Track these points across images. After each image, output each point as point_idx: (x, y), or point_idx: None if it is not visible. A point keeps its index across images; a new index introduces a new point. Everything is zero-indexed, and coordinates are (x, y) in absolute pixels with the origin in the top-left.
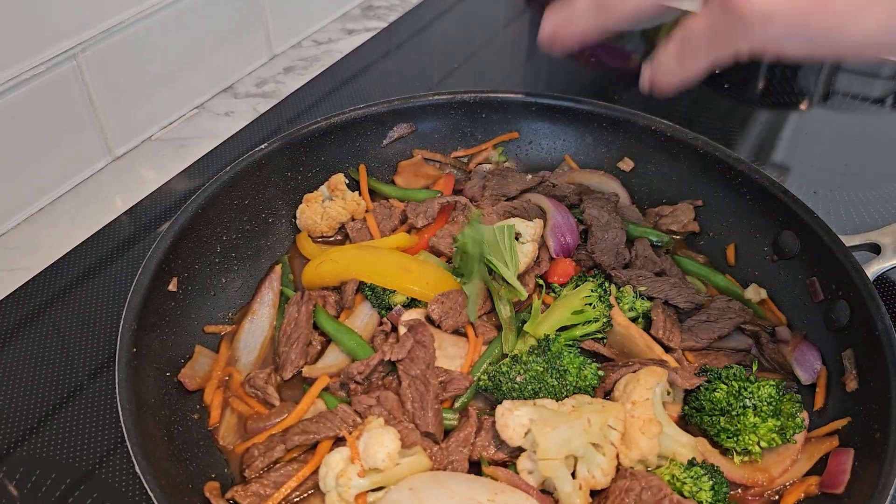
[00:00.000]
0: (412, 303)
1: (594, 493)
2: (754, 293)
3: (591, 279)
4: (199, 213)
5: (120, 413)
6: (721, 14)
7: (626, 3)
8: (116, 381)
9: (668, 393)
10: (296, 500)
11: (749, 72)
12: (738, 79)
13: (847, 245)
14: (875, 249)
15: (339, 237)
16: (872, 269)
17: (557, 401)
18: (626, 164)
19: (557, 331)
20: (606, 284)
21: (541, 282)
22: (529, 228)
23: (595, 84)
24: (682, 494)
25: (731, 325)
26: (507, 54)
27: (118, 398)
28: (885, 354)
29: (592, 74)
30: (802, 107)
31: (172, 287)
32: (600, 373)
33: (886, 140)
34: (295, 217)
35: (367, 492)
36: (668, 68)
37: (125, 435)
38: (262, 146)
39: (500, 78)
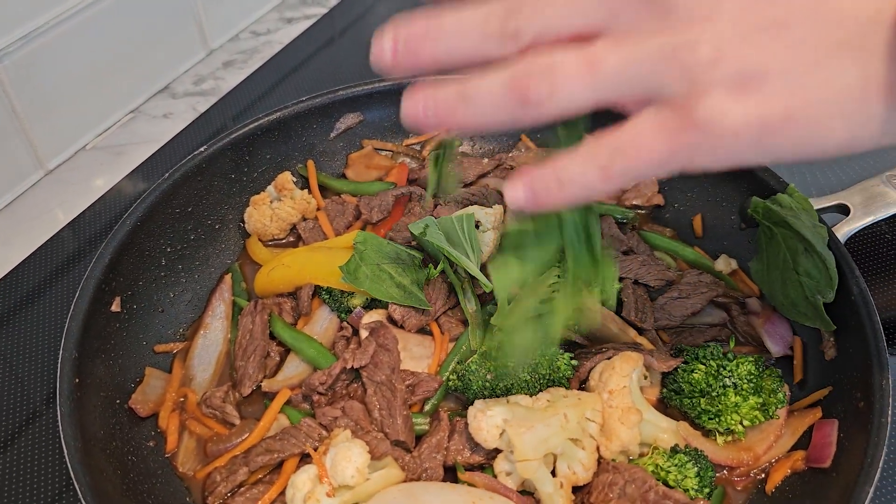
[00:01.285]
0: (373, 303)
1: (576, 490)
2: (724, 264)
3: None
4: (137, 226)
5: (65, 450)
6: (681, 130)
7: (550, 103)
8: (59, 416)
9: (646, 377)
10: None
11: None
12: None
13: (815, 207)
14: (844, 210)
15: (291, 239)
16: (843, 231)
17: (531, 396)
18: None
19: None
20: None
21: None
22: (489, 216)
23: None
24: (667, 484)
25: (705, 299)
26: None
27: (62, 435)
28: (862, 318)
29: None
30: None
31: (115, 307)
32: (573, 362)
33: None
34: (243, 221)
35: None
36: (583, 185)
37: (71, 474)
38: (202, 149)
39: None
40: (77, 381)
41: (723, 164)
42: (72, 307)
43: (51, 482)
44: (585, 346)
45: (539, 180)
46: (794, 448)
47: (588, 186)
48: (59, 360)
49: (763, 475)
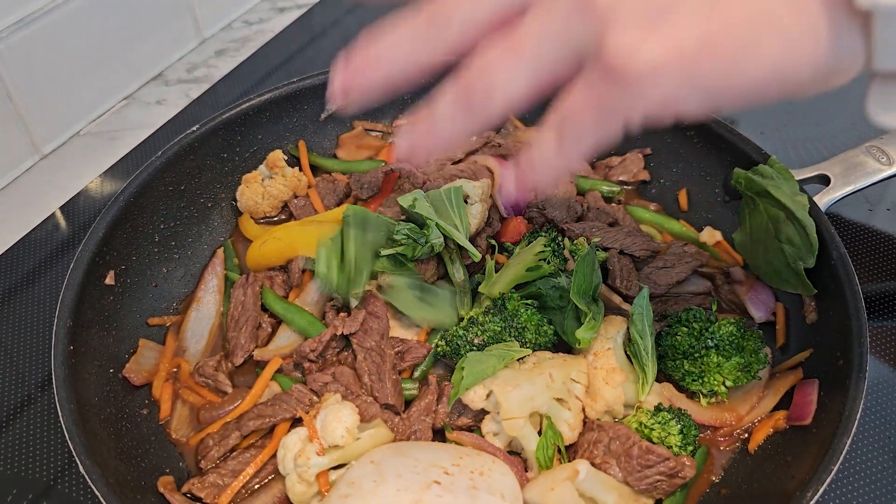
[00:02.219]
0: None
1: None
2: (709, 236)
3: (544, 234)
4: (131, 202)
5: (59, 413)
6: (603, 82)
7: (493, 99)
8: (53, 381)
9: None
10: (256, 486)
11: None
12: None
13: (797, 178)
14: (824, 181)
15: (282, 216)
16: (824, 200)
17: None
18: None
19: (513, 289)
20: (560, 238)
21: (493, 242)
22: (477, 189)
23: None
24: (650, 441)
25: (689, 268)
26: None
27: (56, 398)
28: (842, 281)
29: None
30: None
31: (110, 281)
32: None
33: None
34: (235, 200)
35: (329, 470)
36: (548, 162)
37: (66, 435)
38: (194, 128)
39: None
40: (72, 348)
41: (659, 109)
42: (66, 278)
43: (51, 463)
44: None
45: (520, 173)
46: (776, 409)
47: (554, 167)
48: (54, 327)
49: (746, 435)
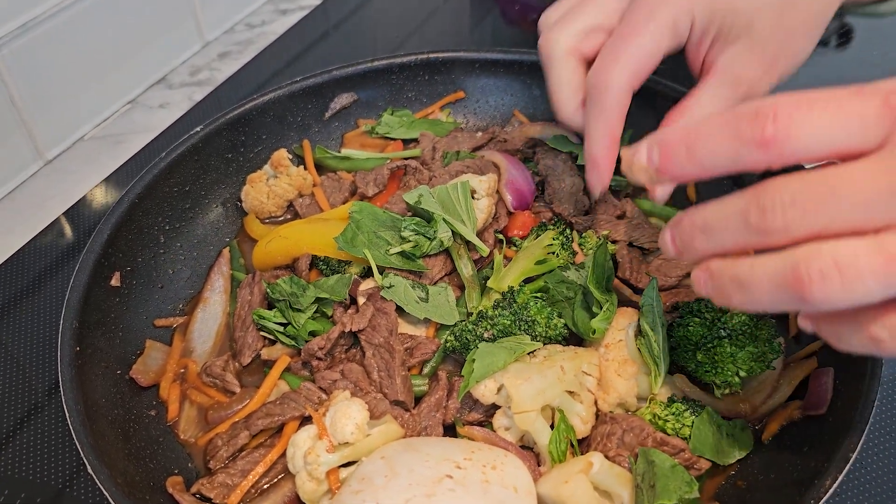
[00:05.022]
0: (369, 271)
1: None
2: None
3: (552, 227)
4: (135, 203)
5: (67, 414)
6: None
7: (846, 298)
8: (60, 383)
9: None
10: (266, 486)
11: None
12: None
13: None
14: None
15: (288, 216)
16: None
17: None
18: None
19: (522, 282)
20: (568, 231)
21: (501, 237)
22: (483, 183)
23: None
24: (664, 432)
25: None
26: (450, 26)
27: (63, 400)
28: None
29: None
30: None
31: (115, 282)
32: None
33: (831, 79)
34: (240, 200)
35: (339, 467)
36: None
37: (74, 436)
38: (198, 129)
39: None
40: (78, 349)
41: None
42: (72, 280)
43: (61, 467)
44: None
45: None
46: (791, 399)
47: (863, 348)
48: (60, 329)
49: (760, 426)
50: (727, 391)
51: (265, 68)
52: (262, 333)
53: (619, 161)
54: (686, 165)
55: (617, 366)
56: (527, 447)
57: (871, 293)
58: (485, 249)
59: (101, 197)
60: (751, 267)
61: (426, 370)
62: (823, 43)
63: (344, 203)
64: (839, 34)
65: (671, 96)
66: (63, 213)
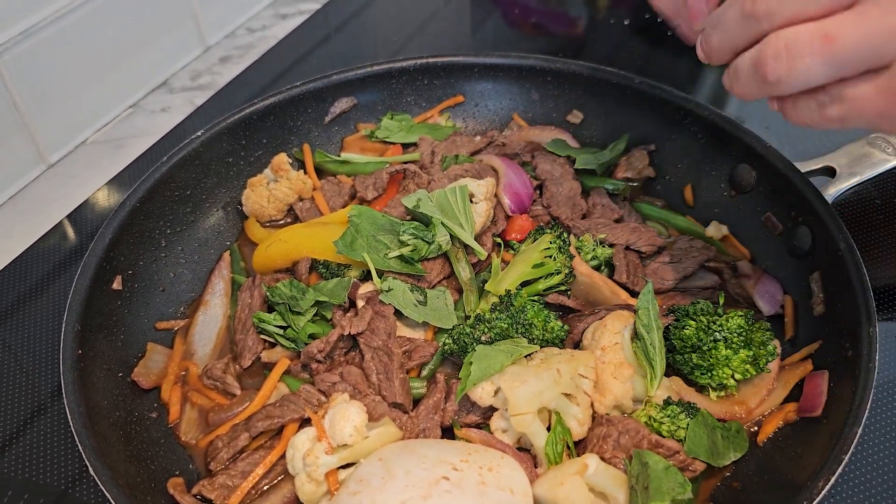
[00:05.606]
0: (368, 275)
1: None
2: (715, 230)
3: (549, 231)
4: (137, 207)
5: (69, 416)
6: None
7: (793, 77)
8: (62, 385)
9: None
10: (265, 487)
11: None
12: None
13: (802, 171)
14: (830, 172)
15: (288, 220)
16: (830, 192)
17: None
18: (576, 117)
19: (519, 286)
20: (565, 235)
21: (499, 240)
22: (482, 187)
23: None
24: (660, 434)
25: (696, 263)
26: (451, 29)
27: (65, 402)
28: (850, 272)
29: (538, 42)
30: None
31: (117, 286)
32: (566, 326)
33: None
34: (240, 203)
35: (337, 469)
36: (806, 112)
37: (76, 438)
38: (198, 133)
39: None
40: (80, 352)
41: None
42: (74, 283)
43: (64, 470)
44: (578, 311)
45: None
46: (786, 401)
47: (809, 114)
48: (62, 332)
49: (755, 427)
50: (722, 394)
51: (266, 73)
52: (262, 336)
53: (616, 166)
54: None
55: (613, 368)
56: (523, 449)
57: (814, 71)
58: (483, 253)
59: (103, 201)
60: (741, 57)
61: (424, 373)
62: None
63: (343, 207)
64: None
65: (671, 102)
66: (65, 217)
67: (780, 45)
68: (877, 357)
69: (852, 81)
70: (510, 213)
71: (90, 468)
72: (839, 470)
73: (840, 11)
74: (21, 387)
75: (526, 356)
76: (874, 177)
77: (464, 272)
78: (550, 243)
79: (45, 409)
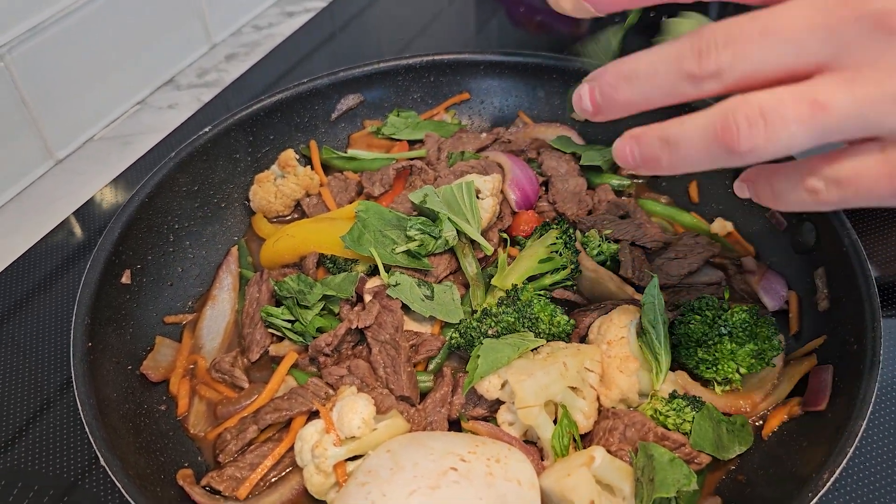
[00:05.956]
0: (375, 270)
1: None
2: (720, 227)
3: (555, 227)
4: (145, 202)
5: (80, 408)
6: None
7: (771, 147)
8: (73, 377)
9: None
10: (274, 479)
11: None
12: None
13: None
14: None
15: (295, 215)
16: None
17: (532, 350)
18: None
19: (526, 281)
20: (571, 231)
21: (505, 236)
22: (488, 183)
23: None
24: (665, 427)
25: (700, 259)
26: (455, 28)
27: (76, 393)
28: (854, 268)
29: (542, 41)
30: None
31: (126, 280)
32: (572, 321)
33: None
34: (248, 199)
35: (346, 461)
36: (798, 198)
37: (87, 429)
38: (206, 129)
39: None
40: (90, 345)
41: None
42: (83, 277)
43: (73, 462)
44: (584, 305)
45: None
46: (791, 395)
47: (801, 204)
48: (73, 325)
49: (760, 422)
50: (727, 388)
51: (272, 70)
52: (269, 330)
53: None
54: (620, 99)
55: (619, 362)
56: (530, 442)
57: (797, 141)
58: (489, 248)
59: (110, 197)
60: (681, 124)
61: (431, 366)
62: None
63: (350, 203)
64: None
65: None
66: (72, 213)
67: (754, 110)
68: (881, 351)
69: (847, 158)
70: (516, 209)
71: (101, 459)
72: (843, 463)
73: (817, 73)
74: (28, 381)
75: (532, 350)
76: None
77: (470, 267)
78: (556, 239)
79: (53, 403)
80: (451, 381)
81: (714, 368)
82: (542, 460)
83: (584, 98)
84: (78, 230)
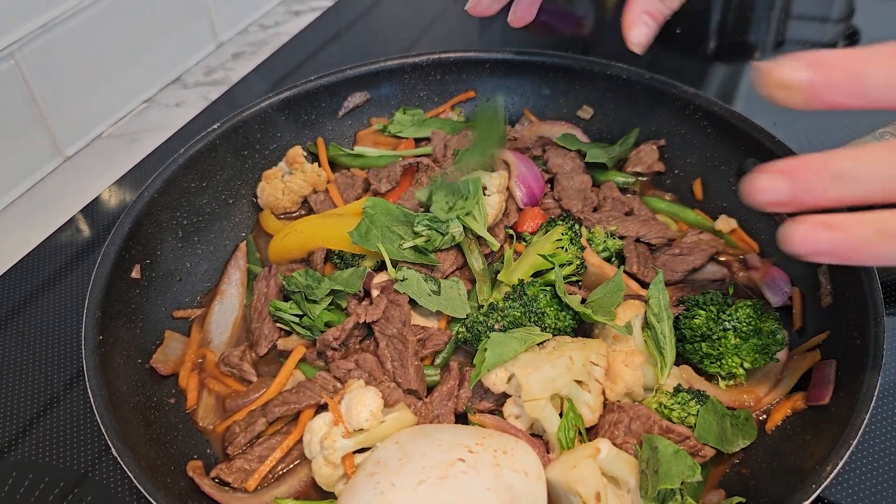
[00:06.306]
0: (382, 265)
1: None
2: (724, 224)
3: (561, 223)
4: (154, 198)
5: (91, 400)
6: None
7: None
8: (85, 369)
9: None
10: (282, 472)
11: (700, 25)
12: (691, 25)
13: None
14: None
15: (302, 212)
16: None
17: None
18: (586, 112)
19: (532, 276)
20: (577, 227)
21: (511, 232)
22: (494, 180)
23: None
24: (670, 420)
25: (705, 255)
26: (460, 27)
27: (88, 385)
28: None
29: (547, 41)
30: (757, 57)
31: (135, 274)
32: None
33: None
34: (256, 196)
35: (354, 452)
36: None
37: (98, 420)
38: (214, 126)
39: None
40: (101, 338)
41: None
42: (94, 272)
43: (84, 454)
44: None
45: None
46: (795, 390)
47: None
48: (84, 318)
49: (764, 416)
50: (731, 382)
51: (279, 68)
52: (278, 325)
53: (626, 160)
54: (846, 95)
55: (624, 356)
56: (536, 435)
57: None
58: (495, 244)
59: (118, 194)
60: (863, 222)
61: (438, 360)
62: (832, 45)
63: (357, 199)
64: (846, 36)
65: (680, 97)
66: (81, 210)
67: None
68: (884, 345)
69: None
70: (522, 206)
71: (113, 449)
72: (846, 456)
73: None
74: (38, 375)
75: (539, 344)
76: None
77: (476, 263)
78: (562, 235)
79: (63, 397)
80: (458, 375)
81: (718, 363)
82: (548, 453)
83: (778, 185)
84: (86, 226)
